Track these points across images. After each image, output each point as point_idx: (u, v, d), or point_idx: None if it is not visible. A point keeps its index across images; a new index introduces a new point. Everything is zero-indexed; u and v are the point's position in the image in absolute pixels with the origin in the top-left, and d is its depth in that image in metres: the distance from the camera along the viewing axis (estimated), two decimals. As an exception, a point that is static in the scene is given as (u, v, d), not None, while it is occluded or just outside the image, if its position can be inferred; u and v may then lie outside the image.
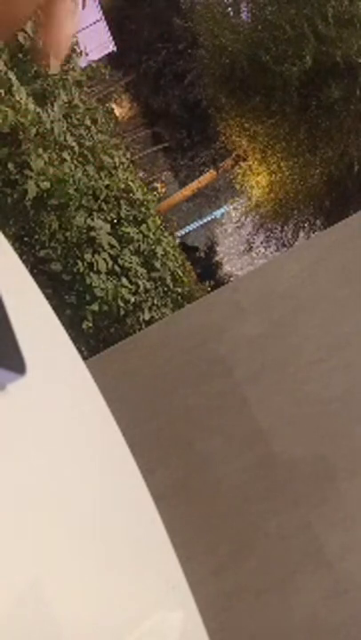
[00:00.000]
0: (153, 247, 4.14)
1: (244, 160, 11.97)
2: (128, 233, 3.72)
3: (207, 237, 18.55)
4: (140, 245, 3.90)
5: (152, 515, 0.83)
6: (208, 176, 14.21)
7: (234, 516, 1.36)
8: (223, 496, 1.38)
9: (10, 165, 2.55)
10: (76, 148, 3.39)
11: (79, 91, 4.03)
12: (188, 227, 17.66)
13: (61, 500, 0.63)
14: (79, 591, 0.60)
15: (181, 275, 5.23)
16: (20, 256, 0.76)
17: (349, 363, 1.37)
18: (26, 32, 2.75)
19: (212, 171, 14.00)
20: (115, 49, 13.31)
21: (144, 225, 4.19)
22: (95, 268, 3.09)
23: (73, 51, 3.54)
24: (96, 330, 3.19)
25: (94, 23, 11.79)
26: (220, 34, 10.05)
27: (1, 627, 0.47)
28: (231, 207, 15.47)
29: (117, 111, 16.05)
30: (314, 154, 9.91)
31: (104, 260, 3.17)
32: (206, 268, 17.54)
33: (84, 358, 0.83)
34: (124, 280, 3.40)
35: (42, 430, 0.65)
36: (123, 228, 3.72)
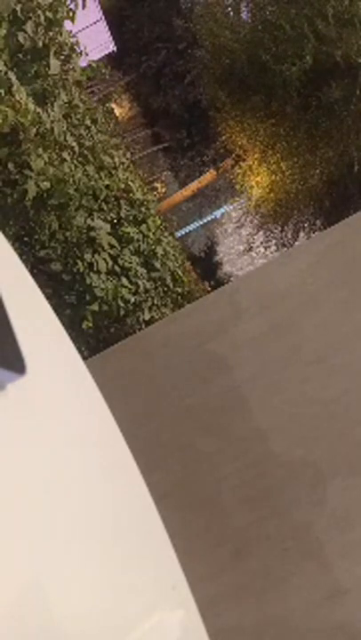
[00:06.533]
0: (153, 247, 4.14)
1: (244, 160, 11.96)
2: (128, 233, 3.73)
3: (207, 237, 18.53)
4: (140, 245, 3.90)
5: (152, 515, 0.83)
6: (208, 176, 14.20)
7: (234, 516, 1.36)
8: (223, 496, 1.38)
9: (10, 165, 2.55)
10: (76, 148, 3.39)
11: (79, 91, 4.03)
12: (188, 227, 17.65)
13: (61, 500, 0.63)
14: (79, 591, 0.60)
15: (181, 275, 5.23)
16: (20, 256, 0.76)
17: (349, 363, 1.37)
18: (26, 32, 2.75)
19: (212, 171, 13.99)
20: (115, 49, 13.29)
21: (144, 225, 4.19)
22: (95, 268, 3.09)
23: (73, 51, 3.53)
24: (96, 330, 3.19)
25: (94, 23, 11.77)
26: (220, 34, 10.04)
27: (2, 626, 0.47)
28: (231, 207, 15.44)
29: (117, 111, 16.05)
30: (314, 154, 9.89)
31: (104, 259, 3.17)
32: (206, 268, 17.54)
33: (84, 358, 0.83)
34: (124, 280, 3.40)
35: (42, 430, 0.65)
36: (123, 228, 3.72)
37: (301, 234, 12.04)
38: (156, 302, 4.00)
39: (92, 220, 3.16)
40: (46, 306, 0.77)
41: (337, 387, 1.36)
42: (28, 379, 0.56)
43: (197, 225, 17.94)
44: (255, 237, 12.92)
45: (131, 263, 3.55)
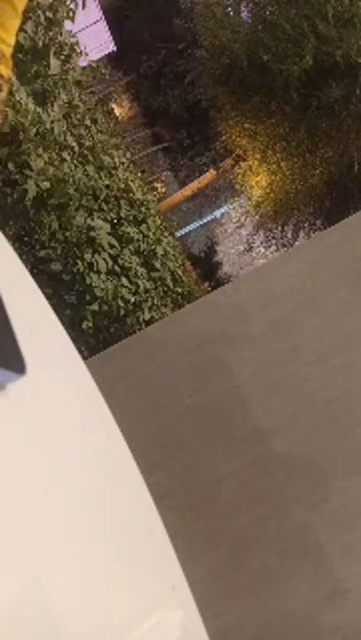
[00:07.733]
0: (153, 247, 4.14)
1: (244, 160, 11.96)
2: (128, 233, 3.72)
3: (207, 237, 18.54)
4: (140, 245, 3.90)
5: (152, 515, 0.83)
6: (208, 176, 14.20)
7: (234, 516, 1.36)
8: (223, 496, 1.38)
9: (10, 165, 2.55)
10: (76, 148, 3.39)
11: (79, 91, 4.02)
12: (188, 227, 17.65)
13: (61, 500, 0.63)
14: (80, 591, 0.60)
15: (181, 275, 5.23)
16: (20, 256, 0.76)
17: (349, 363, 1.37)
18: (26, 32, 2.75)
19: (212, 171, 13.99)
20: (115, 49, 13.28)
21: (144, 225, 4.19)
22: (95, 268, 3.09)
23: (73, 50, 3.53)
24: (96, 330, 3.18)
25: (94, 23, 11.76)
26: (220, 34, 10.04)
27: (2, 626, 0.47)
28: (231, 207, 15.44)
29: (117, 111, 16.05)
30: (314, 154, 9.90)
31: (104, 260, 3.16)
32: (206, 268, 17.55)
33: (84, 358, 0.83)
34: (124, 280, 3.40)
35: (42, 430, 0.65)
36: (123, 228, 3.72)
37: (301, 234, 12.05)
38: (156, 302, 4.00)
39: (92, 219, 3.16)
40: (46, 306, 0.77)
41: (337, 386, 1.36)
42: (28, 379, 0.56)
43: (197, 225, 17.95)
44: (255, 237, 12.92)
45: (131, 263, 3.55)
